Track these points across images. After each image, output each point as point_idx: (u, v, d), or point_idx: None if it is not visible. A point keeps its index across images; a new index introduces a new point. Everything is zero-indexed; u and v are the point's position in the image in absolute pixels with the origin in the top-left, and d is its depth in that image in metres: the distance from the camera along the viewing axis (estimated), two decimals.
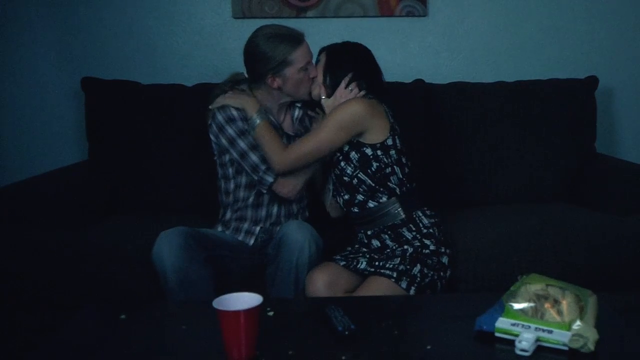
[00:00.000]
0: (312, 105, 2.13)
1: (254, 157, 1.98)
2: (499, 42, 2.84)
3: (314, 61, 2.05)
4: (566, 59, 2.83)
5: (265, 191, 2.02)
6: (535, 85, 2.60)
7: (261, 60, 1.97)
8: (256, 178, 2.00)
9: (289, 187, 2.00)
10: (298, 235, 1.84)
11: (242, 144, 1.98)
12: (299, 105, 2.14)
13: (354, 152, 1.93)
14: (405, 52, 2.83)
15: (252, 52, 2.00)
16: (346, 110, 1.90)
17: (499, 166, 2.54)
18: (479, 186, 2.55)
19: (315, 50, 2.06)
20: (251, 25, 2.76)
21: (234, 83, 2.09)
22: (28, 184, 2.27)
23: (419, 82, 2.61)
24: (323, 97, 2.01)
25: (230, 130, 1.98)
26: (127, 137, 2.55)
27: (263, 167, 1.98)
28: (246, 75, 2.08)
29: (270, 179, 1.98)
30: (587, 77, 2.63)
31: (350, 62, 1.99)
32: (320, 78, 2.01)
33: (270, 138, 1.95)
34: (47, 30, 2.80)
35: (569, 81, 2.62)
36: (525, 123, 2.55)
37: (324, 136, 1.91)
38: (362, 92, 1.97)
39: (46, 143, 2.87)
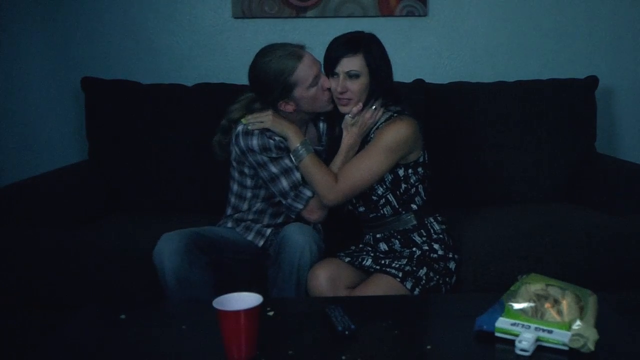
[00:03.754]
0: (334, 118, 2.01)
1: (284, 183, 1.91)
2: (499, 42, 2.84)
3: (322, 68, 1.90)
4: (566, 59, 2.83)
5: (293, 216, 1.97)
6: (535, 85, 2.60)
7: (265, 89, 1.86)
8: (284, 203, 1.94)
9: (318, 213, 1.93)
10: (299, 237, 1.82)
11: (273, 169, 1.90)
12: (322, 117, 2.06)
13: (387, 173, 1.89)
14: (405, 52, 2.82)
15: (254, 82, 1.89)
16: (396, 134, 1.83)
17: (499, 166, 2.54)
18: (479, 186, 2.54)
19: (320, 50, 1.91)
20: (251, 25, 2.81)
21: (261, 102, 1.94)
22: (28, 184, 2.27)
23: (419, 82, 2.61)
24: (349, 116, 1.88)
25: (263, 157, 1.89)
26: (127, 137, 2.55)
27: (292, 194, 1.91)
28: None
29: (300, 206, 1.92)
30: (587, 77, 2.63)
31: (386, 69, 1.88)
32: (358, 87, 1.84)
33: (319, 172, 1.85)
34: (47, 30, 2.80)
35: (569, 81, 2.62)
36: (525, 123, 2.55)
37: (376, 163, 1.83)
38: (382, 109, 1.90)
39: (46, 143, 2.87)
